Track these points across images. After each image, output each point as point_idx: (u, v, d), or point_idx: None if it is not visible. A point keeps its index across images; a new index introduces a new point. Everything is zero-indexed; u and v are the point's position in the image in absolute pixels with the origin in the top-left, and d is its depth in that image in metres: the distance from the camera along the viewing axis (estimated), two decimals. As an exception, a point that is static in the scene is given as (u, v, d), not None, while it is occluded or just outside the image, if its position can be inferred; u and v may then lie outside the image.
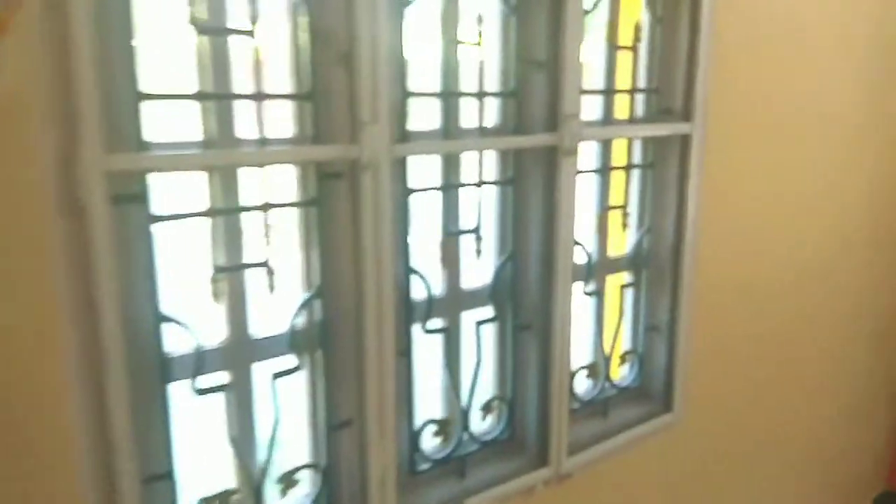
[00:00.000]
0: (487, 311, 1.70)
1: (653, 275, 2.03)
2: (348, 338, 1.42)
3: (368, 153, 1.33)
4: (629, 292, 2.03)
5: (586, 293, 1.87)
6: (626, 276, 2.01)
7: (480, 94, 1.57)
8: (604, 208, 1.90)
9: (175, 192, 1.30)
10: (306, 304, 1.40)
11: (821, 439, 2.75)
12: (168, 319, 1.25)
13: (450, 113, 1.55)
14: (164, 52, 1.25)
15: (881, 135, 2.60)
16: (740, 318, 2.23)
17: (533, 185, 1.69)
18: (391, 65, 1.38)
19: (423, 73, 1.51)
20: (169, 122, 1.25)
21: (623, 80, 1.87)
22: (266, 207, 1.31)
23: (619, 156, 1.93)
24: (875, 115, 2.53)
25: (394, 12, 1.38)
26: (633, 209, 1.99)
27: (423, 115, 1.53)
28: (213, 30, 1.22)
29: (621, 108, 1.88)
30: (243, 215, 1.32)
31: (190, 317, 1.30)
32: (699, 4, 1.84)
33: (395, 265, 1.48)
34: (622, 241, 2.01)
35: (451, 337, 1.66)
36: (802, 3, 2.14)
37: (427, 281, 1.55)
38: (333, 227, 1.39)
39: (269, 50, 1.31)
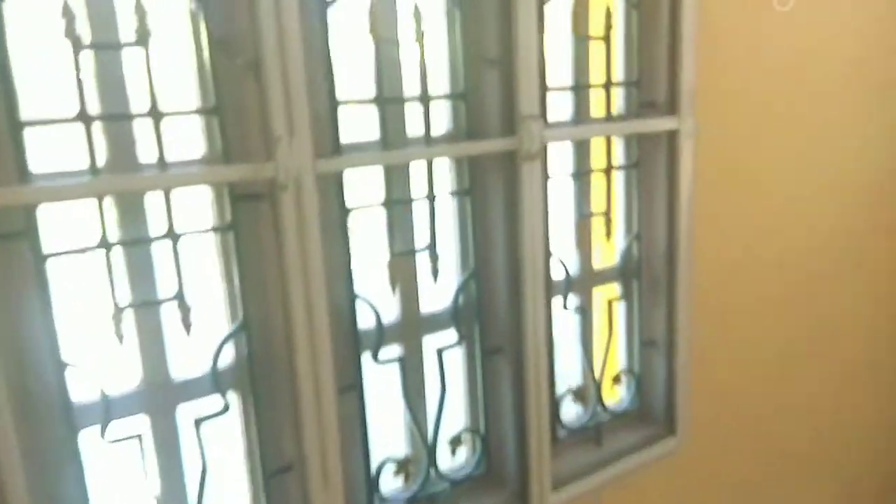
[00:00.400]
0: (450, 336, 1.54)
1: (646, 285, 1.84)
2: (280, 374, 1.29)
3: (286, 170, 1.20)
4: (620, 306, 1.85)
5: (568, 309, 1.70)
6: (615, 288, 1.83)
7: (425, 98, 1.42)
8: (583, 215, 1.73)
9: (78, 225, 1.19)
10: (230, 340, 1.27)
11: (846, 458, 2.49)
12: (69, 365, 1.14)
13: (392, 121, 1.41)
14: (50, 73, 1.14)
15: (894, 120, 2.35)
16: (747, 328, 2.02)
17: (493, 195, 1.53)
18: (312, 71, 1.25)
19: (359, 79, 1.37)
20: (64, 149, 1.14)
21: (598, 74, 1.70)
22: (174, 236, 1.19)
23: (600, 157, 1.76)
24: (888, 100, 2.29)
25: (310, 13, 1.25)
26: (618, 214, 1.81)
27: (365, 125, 1.40)
28: (98, 45, 1.10)
29: (599, 105, 1.71)
30: (152, 246, 1.20)
31: (101, 360, 1.19)
32: (679, -15, 1.66)
33: (334, 291, 1.34)
34: (611, 250, 1.83)
35: (411, 366, 1.51)
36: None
37: (375, 307, 1.41)
38: (255, 254, 1.26)
39: (170, 63, 1.19)
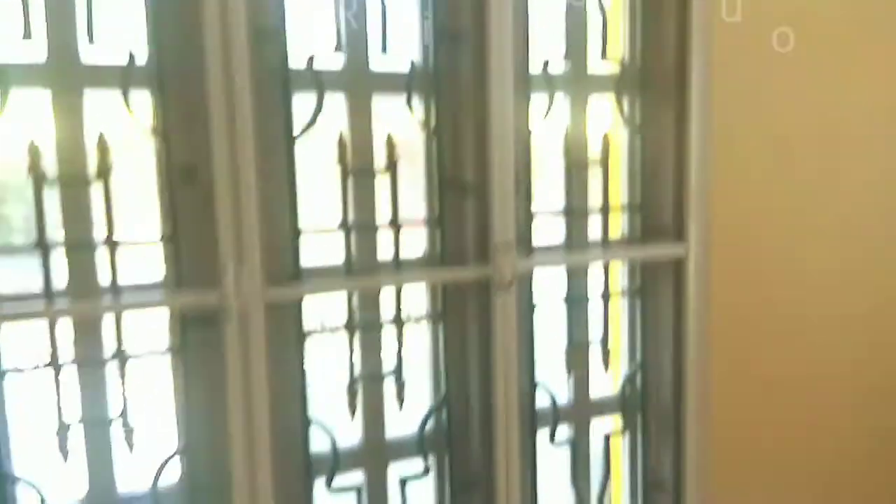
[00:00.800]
0: (418, 465, 1.49)
1: (651, 421, 1.71)
2: (219, 499, 1.29)
3: (232, 299, 1.22)
4: (624, 441, 1.72)
5: (556, 443, 1.60)
6: (617, 421, 1.71)
7: (395, 224, 1.42)
8: (577, 342, 1.64)
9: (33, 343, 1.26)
10: (173, 459, 1.29)
11: None
12: (18, 478, 1.19)
13: (362, 246, 1.42)
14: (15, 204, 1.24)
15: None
16: (771, 470, 1.81)
17: (467, 322, 1.50)
18: (274, 200, 1.30)
19: (329, 206, 1.40)
20: (26, 273, 1.22)
21: (607, 197, 1.64)
22: (122, 357, 1.23)
23: (610, 281, 1.68)
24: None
25: (274, 144, 1.30)
26: (620, 342, 1.71)
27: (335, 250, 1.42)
28: (62, 179, 1.19)
29: (607, 228, 1.65)
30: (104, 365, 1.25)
31: (49, 473, 1.23)
32: (686, 105, 1.60)
33: (286, 416, 1.34)
34: (614, 380, 1.72)
35: (374, 495, 1.46)
36: (822, 82, 1.79)
37: (331, 432, 1.38)
38: (202, 378, 1.28)
39: (134, 190, 1.27)
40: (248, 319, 1.24)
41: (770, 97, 1.72)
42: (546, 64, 1.53)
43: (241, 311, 1.23)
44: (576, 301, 1.63)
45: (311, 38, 1.37)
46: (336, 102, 1.39)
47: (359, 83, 1.41)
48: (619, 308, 1.71)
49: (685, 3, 1.58)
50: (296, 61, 1.33)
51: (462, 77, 1.46)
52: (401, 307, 1.44)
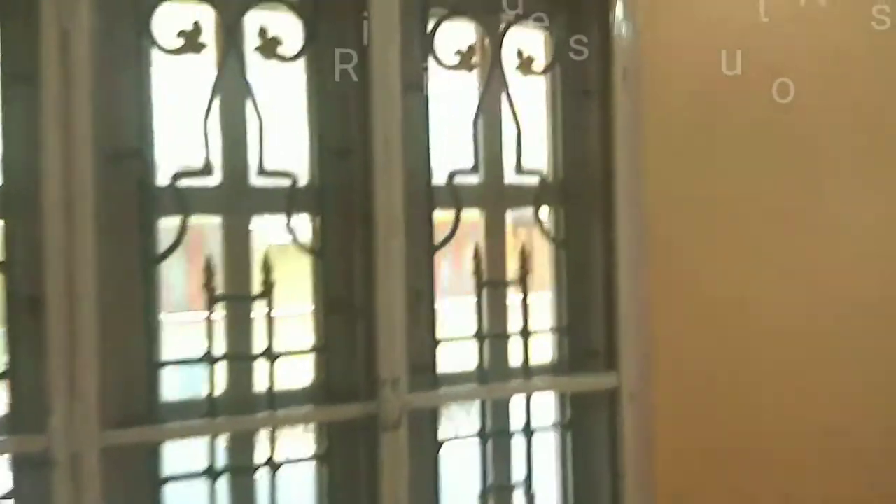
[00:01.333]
0: None
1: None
2: None
3: (61, 444, 1.11)
4: None
5: None
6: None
7: (271, 356, 1.30)
8: (497, 487, 1.45)
9: None
10: None
11: None
12: None
13: (235, 379, 1.30)
14: None
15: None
16: None
17: (359, 463, 1.34)
18: (131, 332, 1.20)
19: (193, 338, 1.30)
20: None
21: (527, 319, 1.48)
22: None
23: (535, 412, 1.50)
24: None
25: (132, 275, 1.22)
26: (547, 484, 1.50)
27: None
28: None
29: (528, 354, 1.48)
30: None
31: None
32: (613, 216, 1.45)
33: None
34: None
35: None
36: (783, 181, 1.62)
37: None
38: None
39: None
40: (79, 466, 1.12)
41: (716, 197, 1.55)
42: (451, 176, 1.42)
43: (72, 457, 1.12)
44: (494, 436, 1.45)
45: (182, 156, 1.30)
46: (210, 223, 1.31)
47: (235, 202, 1.32)
48: (547, 444, 1.51)
49: (610, 109, 1.45)
50: (163, 181, 1.26)
51: (350, 194, 1.35)
52: (274, 447, 1.30)
